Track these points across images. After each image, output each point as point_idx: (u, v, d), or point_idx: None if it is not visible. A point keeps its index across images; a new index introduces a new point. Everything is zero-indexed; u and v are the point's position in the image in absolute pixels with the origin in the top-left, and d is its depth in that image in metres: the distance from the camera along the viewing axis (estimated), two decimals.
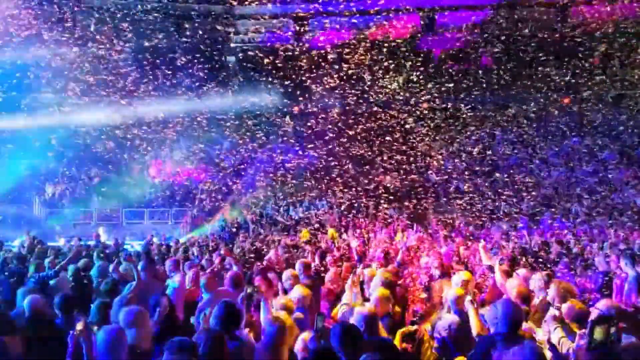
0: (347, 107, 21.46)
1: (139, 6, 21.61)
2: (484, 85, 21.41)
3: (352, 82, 20.86)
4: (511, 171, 19.48)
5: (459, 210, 17.36)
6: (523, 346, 3.35)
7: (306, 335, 3.89)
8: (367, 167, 20.32)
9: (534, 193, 18.03)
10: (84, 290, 6.72)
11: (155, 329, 4.31)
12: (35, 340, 4.31)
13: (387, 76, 21.05)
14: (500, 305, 3.85)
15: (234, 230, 16.43)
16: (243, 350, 3.69)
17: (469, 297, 4.48)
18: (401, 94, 21.25)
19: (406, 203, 17.90)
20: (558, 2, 21.52)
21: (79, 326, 3.54)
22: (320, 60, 21.60)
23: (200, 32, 22.61)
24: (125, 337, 3.46)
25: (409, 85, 21.11)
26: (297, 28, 22.87)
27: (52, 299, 4.93)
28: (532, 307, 5.16)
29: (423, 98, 21.28)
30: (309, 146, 20.42)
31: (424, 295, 6.38)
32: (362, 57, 20.92)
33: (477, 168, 19.64)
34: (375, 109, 21.30)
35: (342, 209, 17.90)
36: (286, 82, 21.21)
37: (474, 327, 4.27)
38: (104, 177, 20.11)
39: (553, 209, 16.82)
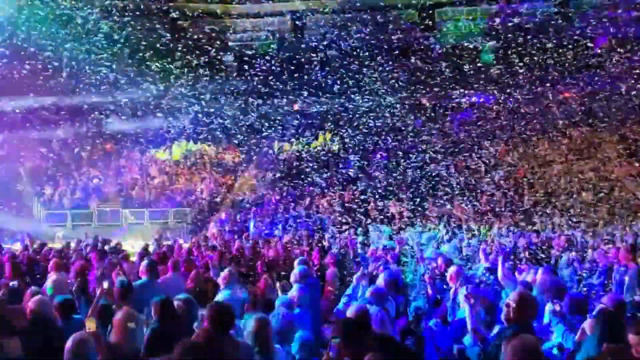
0: (348, 104, 21.43)
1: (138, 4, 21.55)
2: (482, 80, 21.35)
3: (353, 78, 20.82)
4: (510, 167, 19.45)
5: (459, 206, 17.34)
6: (519, 340, 3.31)
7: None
8: (367, 164, 20.31)
9: (534, 188, 18.01)
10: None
11: (156, 326, 4.26)
12: (36, 340, 4.30)
13: (387, 73, 21.02)
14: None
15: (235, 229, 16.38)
16: (241, 350, 3.66)
17: (464, 292, 4.49)
18: (401, 89, 21.19)
19: (406, 199, 17.87)
20: None
21: (91, 326, 3.53)
22: (319, 57, 21.58)
23: (198, 31, 22.59)
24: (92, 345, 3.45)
25: (409, 80, 21.07)
26: (295, 25, 22.86)
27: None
28: None
29: (422, 93, 21.34)
30: (310, 143, 20.42)
31: (423, 291, 6.38)
32: (361, 54, 20.91)
33: (476, 164, 19.60)
34: (374, 105, 21.26)
35: (342, 207, 17.86)
36: (286, 81, 21.17)
37: (468, 322, 4.27)
38: (103, 178, 20.07)
39: (553, 204, 16.78)
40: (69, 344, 3.36)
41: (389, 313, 4.77)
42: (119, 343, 3.92)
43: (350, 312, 4.06)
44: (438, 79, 20.79)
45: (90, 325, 3.61)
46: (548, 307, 4.34)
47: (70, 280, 6.73)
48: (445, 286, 6.07)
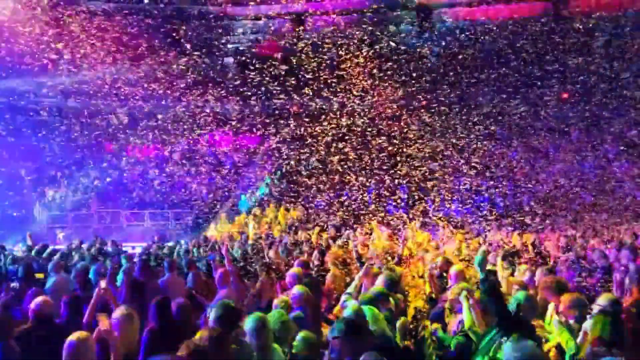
0: (345, 107, 21.45)
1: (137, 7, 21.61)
2: (479, 80, 21.39)
3: (350, 82, 20.84)
4: (510, 167, 19.45)
5: (459, 207, 17.35)
6: (520, 343, 3.34)
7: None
8: (366, 166, 20.31)
9: (534, 189, 18.01)
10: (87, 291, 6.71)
11: (154, 327, 4.28)
12: (36, 340, 4.32)
13: (385, 76, 21.05)
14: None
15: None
16: (244, 350, 3.69)
17: (464, 292, 4.51)
18: (398, 93, 21.23)
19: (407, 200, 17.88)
20: None
21: (104, 324, 3.55)
22: (318, 60, 21.59)
23: (198, 33, 22.63)
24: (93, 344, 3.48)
25: (405, 83, 21.11)
26: (295, 28, 22.88)
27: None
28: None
29: (419, 96, 21.37)
30: (308, 145, 20.43)
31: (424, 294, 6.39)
32: (359, 57, 20.93)
33: (476, 165, 19.60)
34: (373, 108, 21.28)
35: (342, 207, 17.86)
36: (285, 82, 21.19)
37: (466, 321, 4.30)
38: (104, 179, 20.12)
39: (554, 205, 16.78)
40: (67, 345, 3.39)
41: (389, 313, 4.78)
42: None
43: (349, 313, 4.08)
44: None
45: (104, 322, 3.64)
46: (554, 316, 4.36)
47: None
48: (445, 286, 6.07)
